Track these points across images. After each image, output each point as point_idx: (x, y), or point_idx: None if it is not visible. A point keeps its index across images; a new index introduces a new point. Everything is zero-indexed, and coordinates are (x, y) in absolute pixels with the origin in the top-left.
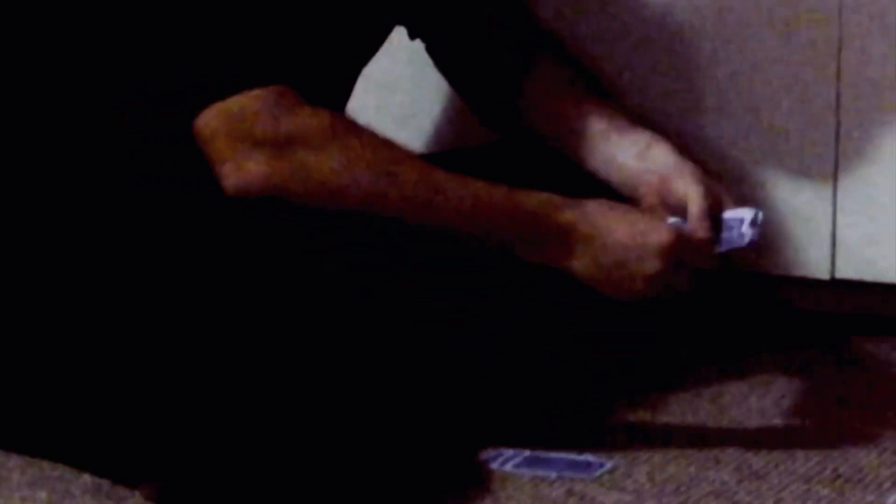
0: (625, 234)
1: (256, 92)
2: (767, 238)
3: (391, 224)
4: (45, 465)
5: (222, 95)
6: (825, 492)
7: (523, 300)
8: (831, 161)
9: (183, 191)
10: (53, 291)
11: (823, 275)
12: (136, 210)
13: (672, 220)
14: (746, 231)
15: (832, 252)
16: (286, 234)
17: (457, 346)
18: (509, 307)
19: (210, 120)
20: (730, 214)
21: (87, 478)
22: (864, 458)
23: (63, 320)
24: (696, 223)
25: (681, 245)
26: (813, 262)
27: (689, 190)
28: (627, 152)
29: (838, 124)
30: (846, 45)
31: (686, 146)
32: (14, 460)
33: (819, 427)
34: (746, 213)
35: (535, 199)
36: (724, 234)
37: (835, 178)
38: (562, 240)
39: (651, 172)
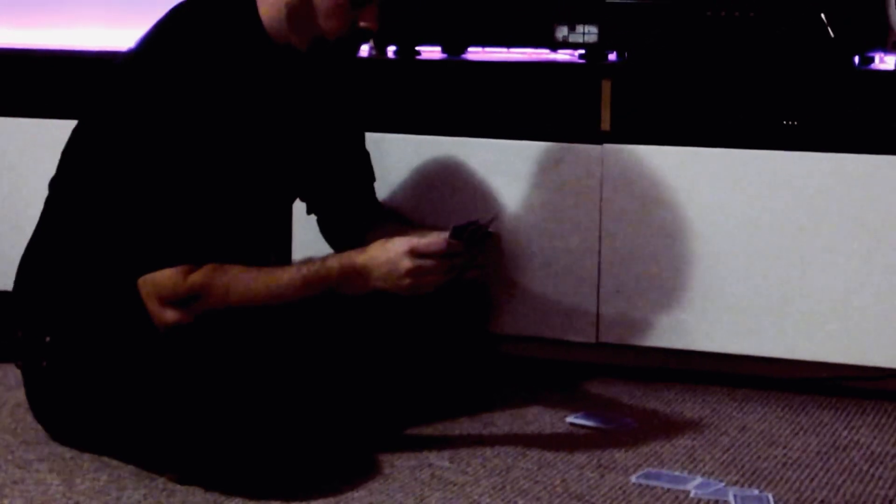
0: (386, 255)
1: (165, 272)
2: (547, 312)
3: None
4: (105, 458)
5: (149, 270)
6: (592, 475)
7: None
8: (595, 256)
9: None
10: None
11: (590, 339)
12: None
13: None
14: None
15: (597, 322)
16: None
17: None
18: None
19: (142, 286)
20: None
21: (131, 466)
22: (616, 452)
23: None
24: (430, 238)
25: (416, 248)
26: (581, 329)
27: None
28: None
29: (600, 228)
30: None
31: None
32: (85, 456)
33: (587, 434)
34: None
35: (337, 260)
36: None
37: (599, 269)
38: (362, 275)
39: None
